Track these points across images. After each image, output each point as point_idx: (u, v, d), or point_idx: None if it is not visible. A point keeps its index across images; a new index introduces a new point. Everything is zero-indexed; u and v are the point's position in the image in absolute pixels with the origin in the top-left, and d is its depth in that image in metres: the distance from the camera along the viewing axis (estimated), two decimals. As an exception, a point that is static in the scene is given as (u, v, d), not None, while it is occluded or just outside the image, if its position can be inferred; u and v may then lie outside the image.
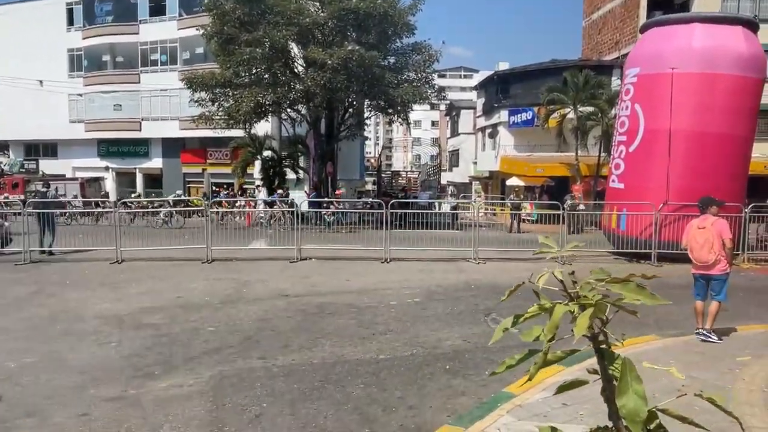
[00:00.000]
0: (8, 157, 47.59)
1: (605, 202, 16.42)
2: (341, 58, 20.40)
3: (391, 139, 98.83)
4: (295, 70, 23.40)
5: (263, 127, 29.67)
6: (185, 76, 24.81)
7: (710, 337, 7.19)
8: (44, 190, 15.32)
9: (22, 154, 46.62)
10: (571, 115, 26.84)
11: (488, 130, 38.26)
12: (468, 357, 6.78)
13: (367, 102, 26.18)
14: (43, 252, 14.53)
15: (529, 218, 23.79)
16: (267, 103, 22.75)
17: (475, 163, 43.39)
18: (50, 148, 46.03)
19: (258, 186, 28.14)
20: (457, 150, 49.54)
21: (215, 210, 18.62)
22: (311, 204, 22.77)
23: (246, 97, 22.05)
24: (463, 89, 79.14)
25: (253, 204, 25.53)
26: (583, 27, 38.51)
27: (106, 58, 43.02)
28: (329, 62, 20.33)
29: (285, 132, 28.98)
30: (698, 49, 13.85)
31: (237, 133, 27.73)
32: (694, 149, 13.94)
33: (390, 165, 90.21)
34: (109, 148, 43.62)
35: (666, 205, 13.92)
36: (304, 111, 24.98)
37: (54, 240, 14.73)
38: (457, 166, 50.34)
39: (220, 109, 24.19)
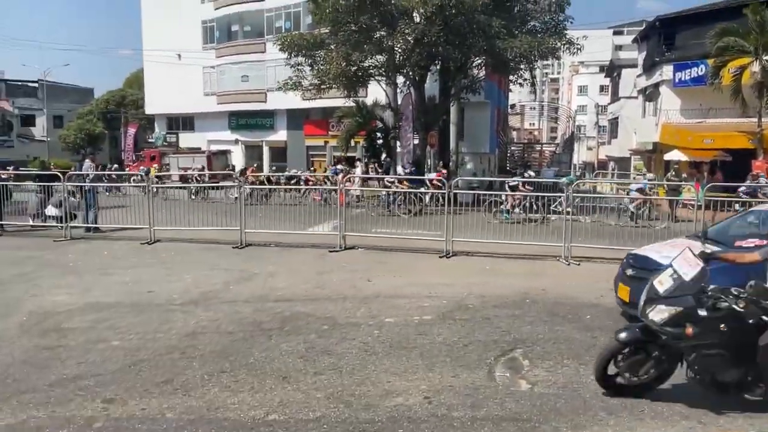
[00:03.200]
0: (155, 131, 51.91)
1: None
2: (435, 4, 17.75)
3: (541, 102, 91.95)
4: (383, 24, 21.07)
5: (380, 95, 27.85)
6: (278, 38, 23.80)
7: None
8: (82, 163, 15.06)
9: (165, 128, 50.34)
10: (754, 67, 21.38)
11: (649, 91, 32.76)
12: (400, 438, 4.34)
13: (477, 59, 23.04)
14: (88, 230, 14.27)
15: (692, 204, 19.24)
16: (360, 63, 20.86)
17: (636, 132, 37.73)
18: (188, 122, 49.01)
19: (358, 159, 26.44)
20: (617, 118, 43.74)
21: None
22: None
23: (335, 59, 20.39)
24: (618, 48, 70.87)
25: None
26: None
27: (236, 27, 44.34)
28: (421, 10, 17.80)
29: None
30: None
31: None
32: None
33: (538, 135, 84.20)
34: (238, 121, 45.25)
35: None
36: (405, 72, 22.67)
37: (96, 215, 14.40)
38: (616, 137, 44.56)
39: (314, 72, 22.84)
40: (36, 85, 60.73)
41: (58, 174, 14.86)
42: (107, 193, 18.84)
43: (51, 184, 14.96)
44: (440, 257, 11.60)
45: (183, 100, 45.84)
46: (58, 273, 10.00)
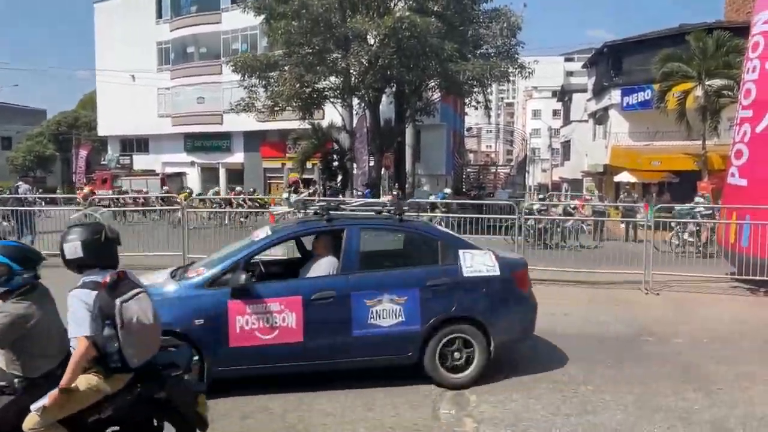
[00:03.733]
0: (108, 153, 50.44)
1: (722, 206, 12.25)
2: (388, 27, 17.65)
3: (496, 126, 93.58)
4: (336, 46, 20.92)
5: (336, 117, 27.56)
6: (231, 59, 23.34)
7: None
8: (17, 185, 14.22)
9: (118, 150, 48.98)
10: (698, 91, 21.93)
11: (599, 115, 33.43)
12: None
13: (431, 82, 23.02)
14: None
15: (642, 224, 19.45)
16: (314, 85, 20.56)
17: (587, 155, 38.40)
18: (143, 144, 47.82)
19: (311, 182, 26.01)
20: (569, 141, 44.55)
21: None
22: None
23: (288, 80, 20.05)
24: (569, 74, 73.04)
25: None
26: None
27: (191, 49, 43.67)
28: (374, 33, 17.65)
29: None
30: None
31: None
32: None
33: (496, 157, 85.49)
34: (194, 143, 44.35)
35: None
36: (360, 95, 22.47)
37: (32, 241, 13.54)
38: (569, 159, 45.32)
39: (267, 93, 22.43)
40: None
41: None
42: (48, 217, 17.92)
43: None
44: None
45: (137, 122, 44.74)
46: None
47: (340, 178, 25.91)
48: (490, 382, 5.85)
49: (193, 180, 42.76)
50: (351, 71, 20.81)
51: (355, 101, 24.57)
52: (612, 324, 8.39)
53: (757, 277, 10.34)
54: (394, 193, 20.79)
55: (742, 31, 24.45)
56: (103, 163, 51.25)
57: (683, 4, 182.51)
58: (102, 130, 49.03)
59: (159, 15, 44.54)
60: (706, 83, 21.30)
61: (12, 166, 53.45)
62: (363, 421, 5.01)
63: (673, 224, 14.09)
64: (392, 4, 19.84)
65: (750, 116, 11.05)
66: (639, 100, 27.98)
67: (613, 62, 30.71)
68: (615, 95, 29.67)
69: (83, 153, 50.49)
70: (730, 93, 20.80)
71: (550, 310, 8.66)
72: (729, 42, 21.09)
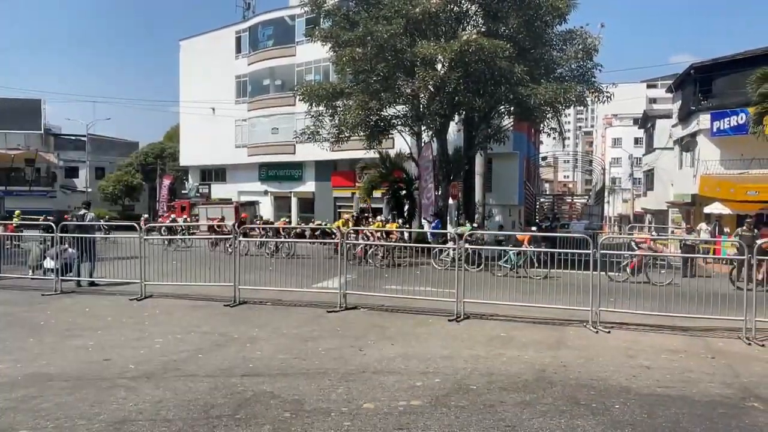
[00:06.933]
0: (188, 182, 52.23)
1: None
2: (455, 51, 16.83)
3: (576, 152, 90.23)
4: (403, 73, 20.24)
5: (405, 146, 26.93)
6: (298, 88, 23.24)
7: None
8: (82, 213, 14.18)
9: (198, 180, 50.58)
10: (799, 114, 19.71)
11: (685, 141, 31.01)
12: None
13: (500, 107, 21.90)
14: (79, 284, 13.34)
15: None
16: (379, 113, 20.01)
17: (673, 184, 35.75)
18: (220, 173, 49.20)
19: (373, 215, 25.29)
20: (652, 169, 41.83)
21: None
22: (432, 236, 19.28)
23: (353, 107, 19.59)
24: (652, 101, 69.47)
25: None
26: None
27: (267, 82, 44.76)
28: (440, 57, 16.88)
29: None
30: None
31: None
32: None
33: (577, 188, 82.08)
34: (268, 172, 45.14)
35: None
36: (426, 122, 21.69)
37: (94, 269, 13.49)
38: (652, 189, 42.51)
39: (334, 123, 22.09)
40: (85, 138, 62.53)
41: (52, 224, 14.09)
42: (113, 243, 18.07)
43: (46, 235, 14.17)
44: (449, 320, 10.17)
45: (215, 153, 46.21)
46: (20, 334, 8.94)
47: (406, 207, 25.07)
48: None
49: (266, 208, 43.36)
50: (417, 98, 20.11)
51: (424, 130, 23.86)
52: (708, 383, 6.93)
53: None
54: (475, 225, 19.65)
55: None
56: (184, 192, 53.10)
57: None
58: (184, 161, 50.91)
59: (238, 50, 46.07)
60: (810, 105, 19.08)
61: (102, 194, 56.26)
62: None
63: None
64: (460, 29, 18.99)
65: None
66: (731, 125, 25.65)
67: (701, 85, 28.46)
68: (704, 120, 27.37)
69: (166, 182, 52.55)
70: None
71: (632, 363, 7.37)
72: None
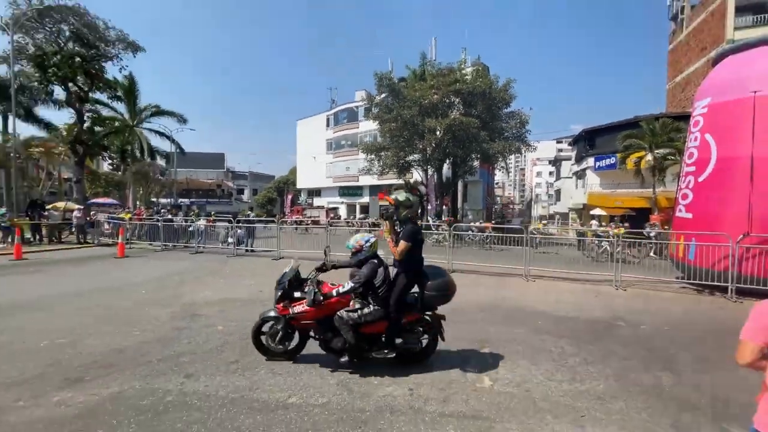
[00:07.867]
0: (301, 196, 53.00)
1: (671, 231, 9.88)
2: (447, 124, 16.65)
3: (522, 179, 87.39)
4: (418, 136, 20.09)
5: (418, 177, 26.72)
6: (360, 146, 23.34)
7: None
8: (248, 213, 14.64)
9: (306, 195, 51.32)
10: (648, 157, 18.70)
11: (579, 173, 29.81)
12: None
13: (472, 155, 21.52)
14: (246, 251, 13.73)
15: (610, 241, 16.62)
16: (404, 159, 19.89)
17: (571, 198, 34.47)
18: (318, 192, 49.73)
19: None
20: (559, 189, 40.41)
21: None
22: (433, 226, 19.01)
23: (390, 157, 19.56)
24: (560, 150, 66.84)
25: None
26: (666, 89, 27.93)
27: (343, 142, 45.01)
28: (438, 128, 16.69)
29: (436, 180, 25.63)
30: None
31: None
32: (784, 175, 7.24)
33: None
34: (342, 191, 45.38)
35: (747, 237, 7.42)
36: (431, 164, 21.48)
37: (253, 242, 13.86)
38: (560, 200, 41.05)
39: (379, 164, 22.09)
40: (247, 174, 64.69)
41: (230, 219, 14.55)
42: (263, 228, 18.49)
43: (228, 224, 14.62)
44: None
45: (315, 180, 46.73)
46: (215, 277, 9.29)
47: (419, 211, 24.88)
48: (503, 351, 4.67)
49: (342, 211, 43.67)
50: (426, 150, 19.94)
51: (429, 168, 23.64)
52: (593, 310, 6.75)
53: (702, 282, 8.09)
54: (450, 218, 19.42)
55: (679, 118, 21.00)
56: (298, 202, 53.93)
57: (635, 103, 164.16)
58: (299, 185, 51.72)
59: (327, 125, 46.47)
60: (655, 152, 18.11)
61: (256, 203, 57.84)
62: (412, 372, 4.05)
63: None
64: (449, 112, 18.75)
65: (693, 170, 8.82)
66: (606, 164, 24.57)
67: (588, 140, 27.38)
68: (590, 161, 26.30)
69: (289, 197, 53.21)
70: (671, 157, 17.55)
71: (547, 298, 7.22)
72: (670, 125, 17.84)
